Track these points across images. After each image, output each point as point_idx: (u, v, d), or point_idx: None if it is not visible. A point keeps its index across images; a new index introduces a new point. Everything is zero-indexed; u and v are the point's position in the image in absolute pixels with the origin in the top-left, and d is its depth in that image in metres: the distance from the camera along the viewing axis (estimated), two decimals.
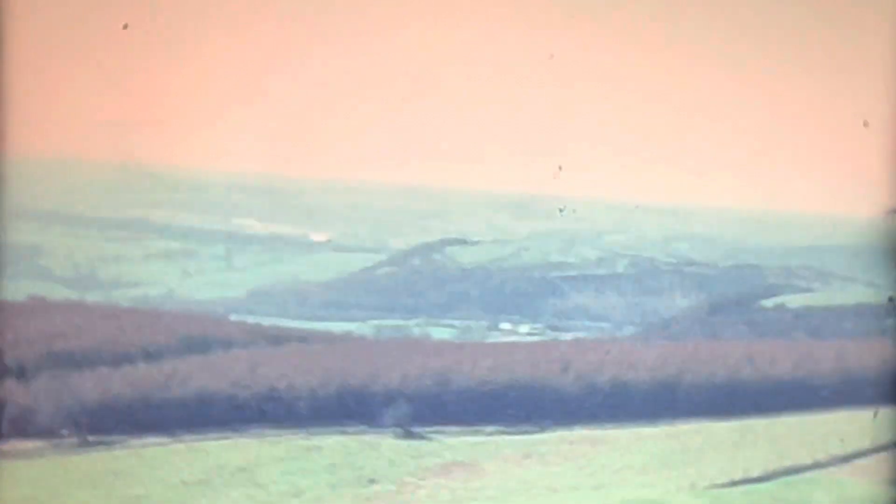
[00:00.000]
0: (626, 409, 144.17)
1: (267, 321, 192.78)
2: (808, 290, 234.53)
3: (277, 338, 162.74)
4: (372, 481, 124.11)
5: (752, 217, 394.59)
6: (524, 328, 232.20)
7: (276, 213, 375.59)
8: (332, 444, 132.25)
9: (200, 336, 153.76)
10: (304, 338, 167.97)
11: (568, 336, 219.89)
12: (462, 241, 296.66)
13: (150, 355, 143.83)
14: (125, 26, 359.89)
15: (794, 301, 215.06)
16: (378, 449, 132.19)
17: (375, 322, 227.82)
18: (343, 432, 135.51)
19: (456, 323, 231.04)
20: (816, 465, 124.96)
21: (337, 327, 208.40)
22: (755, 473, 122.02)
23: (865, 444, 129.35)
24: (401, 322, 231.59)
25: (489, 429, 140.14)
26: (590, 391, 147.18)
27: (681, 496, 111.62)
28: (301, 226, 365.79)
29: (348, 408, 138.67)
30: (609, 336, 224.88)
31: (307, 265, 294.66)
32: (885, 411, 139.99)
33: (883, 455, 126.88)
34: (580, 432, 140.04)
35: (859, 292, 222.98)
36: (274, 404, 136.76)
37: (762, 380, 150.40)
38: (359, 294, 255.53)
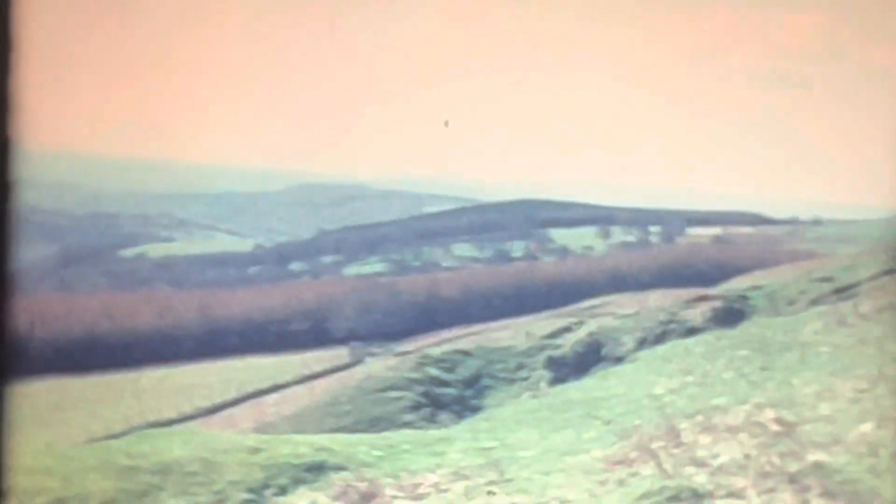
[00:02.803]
0: None
1: None
2: (168, 239, 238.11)
3: None
4: None
5: (112, 163, 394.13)
6: None
7: None
8: None
9: None
10: None
11: None
12: None
13: None
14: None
15: (155, 250, 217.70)
16: None
17: None
18: None
19: None
20: (182, 419, 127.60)
21: None
22: (118, 430, 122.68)
23: (231, 394, 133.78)
24: None
25: None
26: None
27: (54, 460, 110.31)
28: None
29: None
30: None
31: None
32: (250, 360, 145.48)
33: (248, 404, 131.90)
34: None
35: (223, 241, 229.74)
36: None
37: (123, 333, 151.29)
38: None
